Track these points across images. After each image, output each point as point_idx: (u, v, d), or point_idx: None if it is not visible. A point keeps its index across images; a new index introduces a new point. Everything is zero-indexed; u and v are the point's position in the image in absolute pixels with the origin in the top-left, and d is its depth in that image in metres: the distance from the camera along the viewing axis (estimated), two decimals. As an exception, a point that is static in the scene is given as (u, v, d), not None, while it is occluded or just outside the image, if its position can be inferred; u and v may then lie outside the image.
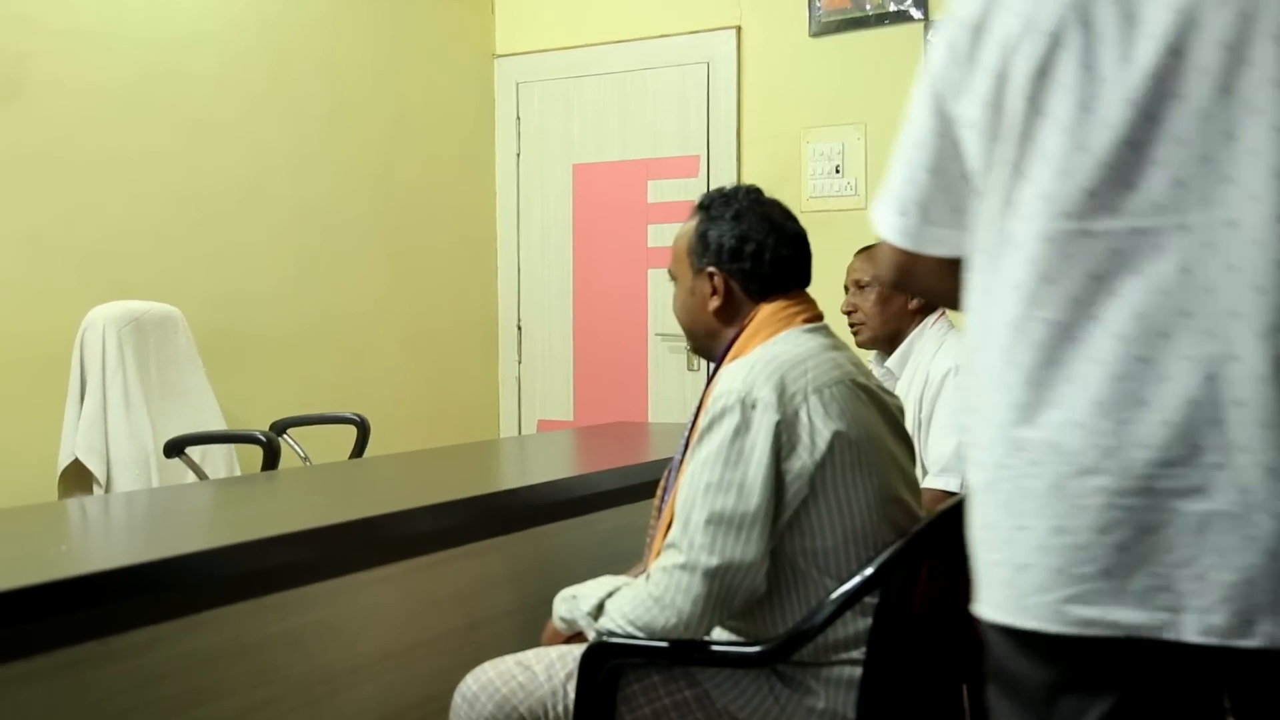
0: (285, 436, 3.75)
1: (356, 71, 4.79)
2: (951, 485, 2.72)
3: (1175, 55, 1.18)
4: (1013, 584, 1.24)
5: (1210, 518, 1.15)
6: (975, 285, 1.32)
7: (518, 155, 5.44)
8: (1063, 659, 1.23)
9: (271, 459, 3.23)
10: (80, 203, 3.78)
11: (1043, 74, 1.23)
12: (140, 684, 1.70)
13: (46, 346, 3.63)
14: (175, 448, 3.35)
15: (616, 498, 2.72)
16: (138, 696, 1.69)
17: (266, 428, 3.70)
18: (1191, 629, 1.16)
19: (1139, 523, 1.17)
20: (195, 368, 3.80)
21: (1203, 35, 1.17)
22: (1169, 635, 1.17)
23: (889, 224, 1.43)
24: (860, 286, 3.00)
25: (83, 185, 3.79)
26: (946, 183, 1.37)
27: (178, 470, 3.45)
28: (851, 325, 3.02)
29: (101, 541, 2.17)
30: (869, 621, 1.81)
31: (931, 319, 2.97)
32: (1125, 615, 1.18)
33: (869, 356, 3.04)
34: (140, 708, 1.70)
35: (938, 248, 1.41)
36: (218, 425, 3.78)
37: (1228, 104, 1.16)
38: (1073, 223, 1.21)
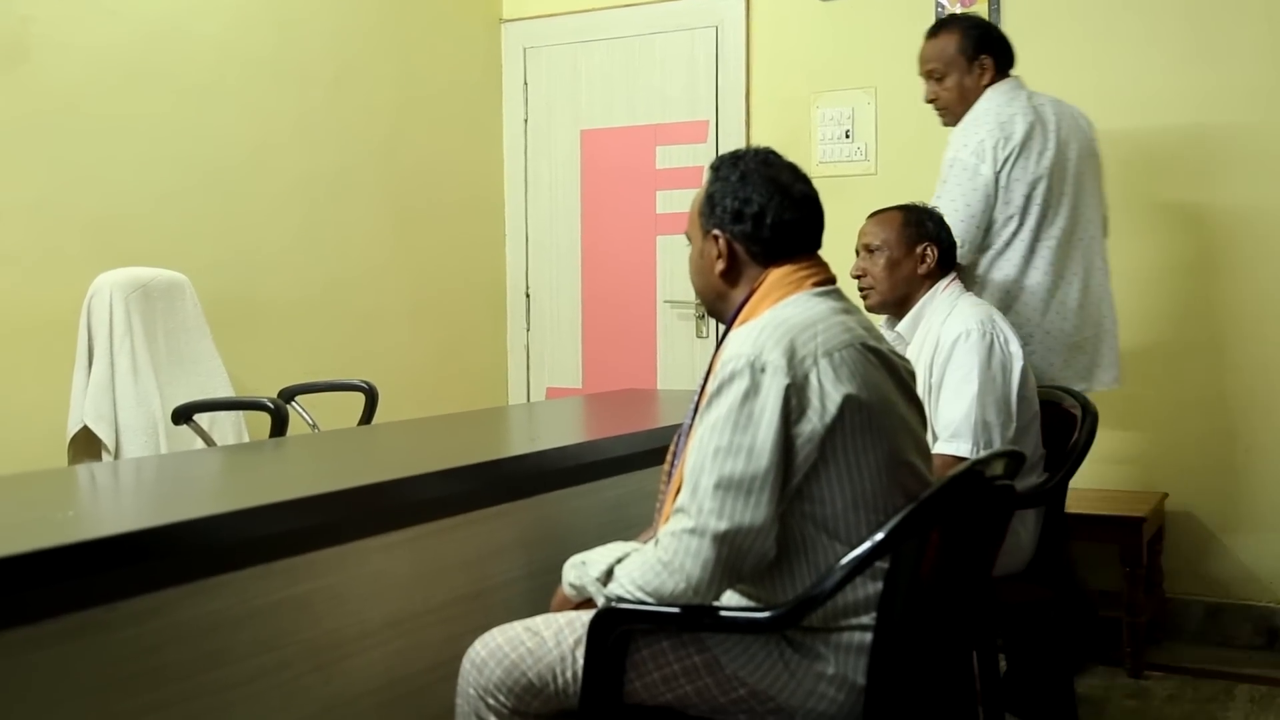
0: (293, 404, 3.74)
1: (362, 36, 4.75)
2: (962, 450, 2.71)
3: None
4: None
5: None
6: None
7: (525, 121, 5.41)
8: None
9: (280, 426, 3.22)
10: (85, 168, 3.77)
11: None
12: (147, 649, 1.69)
13: (53, 313, 3.62)
14: (183, 415, 3.34)
15: (625, 464, 2.71)
16: (144, 662, 1.69)
17: (274, 395, 3.70)
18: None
19: None
20: (203, 335, 3.79)
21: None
22: None
23: None
24: (870, 251, 2.97)
25: (87, 150, 3.77)
26: None
27: (186, 437, 3.45)
28: (861, 289, 2.99)
29: (108, 507, 2.16)
30: (879, 587, 1.80)
31: (943, 284, 2.95)
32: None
33: (880, 321, 3.02)
34: (147, 673, 1.70)
35: None
36: (225, 392, 3.78)
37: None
38: None
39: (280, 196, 4.41)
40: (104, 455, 3.48)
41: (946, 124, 3.51)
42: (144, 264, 3.74)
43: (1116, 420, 4.05)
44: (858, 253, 3.02)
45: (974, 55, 3.43)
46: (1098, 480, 4.10)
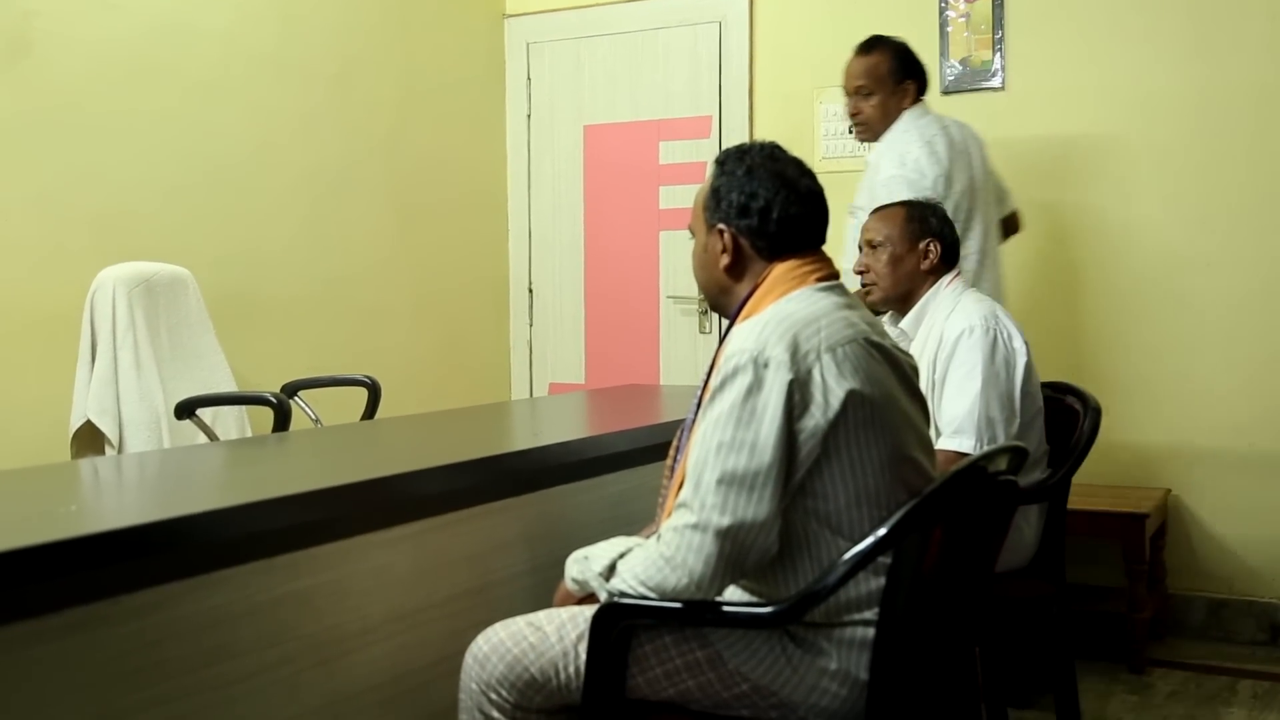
0: (296, 398, 3.74)
1: (365, 31, 4.75)
2: (965, 446, 2.71)
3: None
4: None
5: None
6: None
7: (528, 116, 5.40)
8: None
9: (282, 421, 3.22)
10: (88, 163, 3.76)
11: None
12: (150, 644, 1.69)
13: (56, 308, 3.62)
14: (186, 409, 3.34)
15: (628, 459, 2.71)
16: (147, 656, 1.69)
17: (277, 390, 3.69)
18: None
19: None
20: (205, 330, 3.79)
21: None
22: None
23: None
24: (873, 246, 2.97)
25: (90, 146, 3.77)
26: None
27: (188, 432, 3.45)
28: (863, 285, 2.99)
29: (111, 501, 2.16)
30: (881, 582, 1.80)
31: (946, 279, 2.95)
32: None
33: (883, 318, 3.03)
34: (150, 667, 1.70)
35: None
36: (228, 387, 3.78)
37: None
38: None
39: (283, 192, 4.41)
40: (107, 450, 3.48)
41: (862, 139, 3.76)
42: (147, 259, 3.74)
43: (1119, 416, 4.04)
44: (861, 248, 3.01)
45: (901, 78, 3.66)
46: (1100, 476, 4.09)
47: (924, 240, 2.93)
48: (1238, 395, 4.18)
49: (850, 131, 3.82)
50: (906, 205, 2.99)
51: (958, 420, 2.75)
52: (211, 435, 3.44)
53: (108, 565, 1.61)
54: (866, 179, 3.66)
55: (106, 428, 3.46)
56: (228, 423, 3.71)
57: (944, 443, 2.73)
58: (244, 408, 3.78)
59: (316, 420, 3.79)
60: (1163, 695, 3.65)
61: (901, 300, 2.98)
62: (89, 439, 3.51)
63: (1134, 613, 3.85)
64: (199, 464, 2.55)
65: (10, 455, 3.33)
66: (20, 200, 3.58)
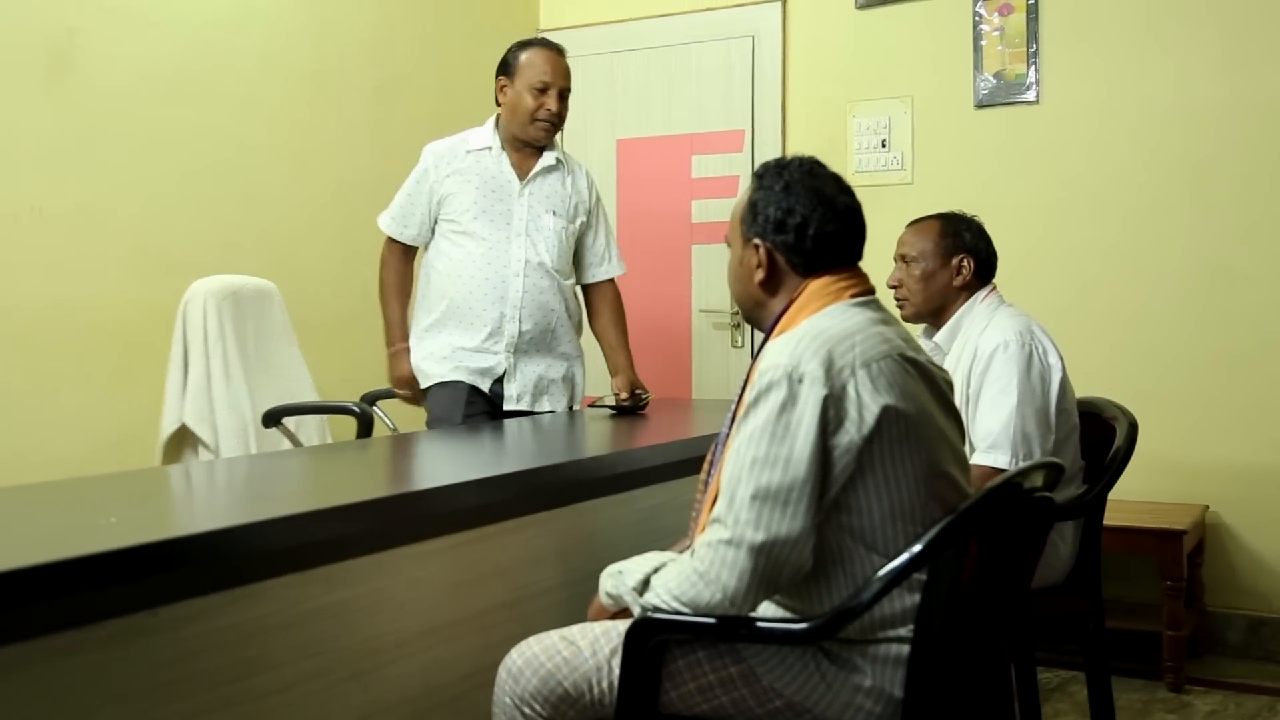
0: (375, 407, 3.84)
1: (401, 47, 4.79)
2: (1000, 462, 2.70)
3: None
4: None
5: None
6: None
7: (562, 130, 5.41)
8: None
9: (365, 428, 3.40)
10: (128, 176, 3.81)
11: None
12: (187, 655, 1.71)
13: (93, 318, 3.68)
14: (273, 418, 3.47)
15: (661, 473, 2.71)
16: (185, 667, 1.71)
17: (357, 399, 3.81)
18: None
19: None
20: (289, 341, 3.88)
21: None
22: None
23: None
24: (906, 261, 2.96)
25: (130, 159, 3.82)
26: None
27: (274, 439, 3.55)
28: (896, 300, 2.98)
29: (150, 513, 2.18)
30: (917, 599, 1.79)
31: (981, 294, 2.93)
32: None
33: (917, 331, 3.02)
34: (187, 678, 1.71)
35: None
36: (310, 397, 3.87)
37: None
38: None
39: (320, 206, 4.45)
40: (202, 453, 3.56)
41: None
42: (184, 272, 3.79)
43: (1157, 431, 4.01)
44: (895, 261, 3.01)
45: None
46: (1137, 492, 4.06)
47: (957, 256, 2.92)
48: (1277, 410, 4.13)
49: None
50: (941, 219, 2.98)
51: (993, 435, 2.73)
52: (296, 442, 3.56)
53: (147, 576, 1.62)
54: None
55: (205, 434, 3.54)
56: (310, 432, 3.80)
57: (979, 458, 2.71)
58: (325, 416, 3.87)
59: (394, 428, 3.88)
60: (1201, 714, 3.61)
61: (934, 315, 2.97)
62: (179, 444, 3.58)
63: (1172, 630, 3.81)
64: (238, 476, 2.56)
65: (42, 465, 3.38)
66: (61, 211, 3.63)
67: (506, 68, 3.51)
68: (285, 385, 3.79)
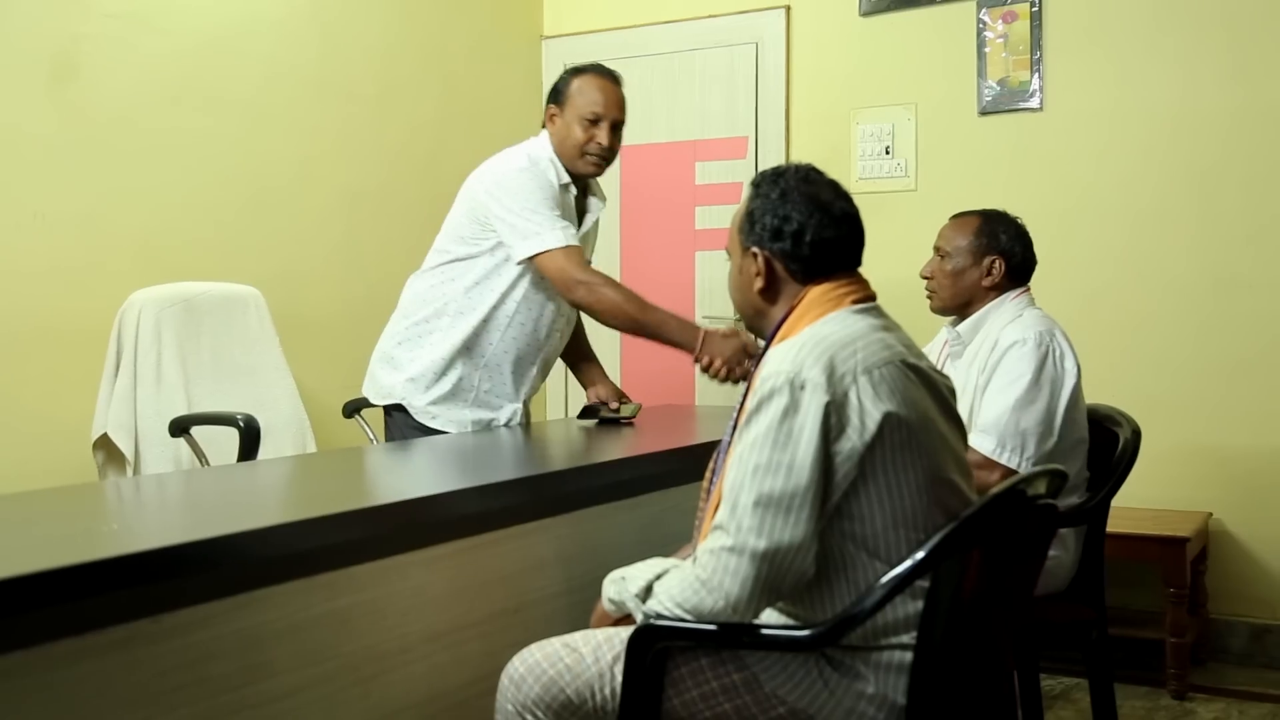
0: (358, 417, 3.85)
1: (406, 54, 4.79)
2: (984, 447, 2.72)
3: None
4: None
5: None
6: None
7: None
8: None
9: (250, 444, 3.24)
10: (132, 183, 3.82)
11: None
12: (191, 662, 1.71)
13: (94, 325, 3.67)
14: (179, 427, 3.43)
15: (664, 480, 2.71)
16: (188, 674, 1.71)
17: (341, 407, 3.85)
18: None
19: None
20: (269, 346, 3.86)
21: None
22: None
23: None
24: (941, 255, 2.98)
25: (135, 165, 3.83)
26: None
27: (210, 449, 3.46)
28: (926, 291, 3.03)
29: (152, 520, 2.18)
30: (920, 605, 1.79)
31: (1012, 294, 2.94)
32: None
33: (942, 323, 3.04)
34: (191, 685, 1.71)
35: None
36: (291, 403, 3.85)
37: None
38: None
39: (324, 212, 4.45)
40: (126, 464, 3.54)
41: None
42: (188, 278, 3.79)
43: (1161, 438, 4.01)
44: (934, 251, 3.02)
45: None
46: (1141, 499, 4.06)
47: (989, 256, 2.92)
48: (1278, 418, 4.13)
49: None
50: (981, 217, 2.97)
51: (987, 422, 2.75)
52: (202, 456, 3.45)
53: (149, 584, 1.62)
54: None
55: (121, 442, 3.52)
56: (282, 440, 3.78)
57: (970, 438, 2.71)
58: (308, 425, 3.89)
59: (374, 439, 3.85)
60: (1205, 722, 3.61)
61: (959, 309, 2.99)
62: (109, 452, 3.58)
63: (1175, 637, 3.81)
64: (237, 483, 2.57)
65: (46, 469, 3.39)
66: (66, 218, 3.63)
67: (557, 95, 3.18)
68: (258, 393, 3.77)
